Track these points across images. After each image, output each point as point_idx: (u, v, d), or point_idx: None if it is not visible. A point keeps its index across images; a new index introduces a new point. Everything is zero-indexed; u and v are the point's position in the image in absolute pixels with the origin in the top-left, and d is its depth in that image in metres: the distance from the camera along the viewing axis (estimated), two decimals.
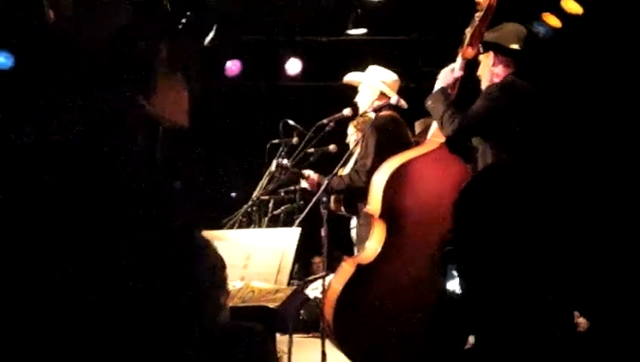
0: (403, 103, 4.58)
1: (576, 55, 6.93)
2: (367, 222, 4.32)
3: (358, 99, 4.85)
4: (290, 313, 2.73)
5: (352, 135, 5.05)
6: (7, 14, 6.48)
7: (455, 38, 3.80)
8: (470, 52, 3.69)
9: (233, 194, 8.35)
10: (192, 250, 1.47)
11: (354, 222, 4.97)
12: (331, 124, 4.49)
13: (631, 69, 6.53)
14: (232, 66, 8.33)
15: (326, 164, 4.70)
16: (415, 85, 6.88)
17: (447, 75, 3.79)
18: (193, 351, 1.42)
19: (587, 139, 6.18)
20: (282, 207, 4.95)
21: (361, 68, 5.00)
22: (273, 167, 4.48)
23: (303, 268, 7.53)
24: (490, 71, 3.71)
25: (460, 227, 1.49)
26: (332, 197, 4.68)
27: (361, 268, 3.89)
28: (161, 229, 1.40)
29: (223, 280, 1.61)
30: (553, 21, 6.97)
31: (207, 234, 1.55)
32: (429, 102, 3.76)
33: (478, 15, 3.58)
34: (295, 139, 4.61)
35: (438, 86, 3.79)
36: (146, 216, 1.39)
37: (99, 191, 1.37)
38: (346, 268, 3.99)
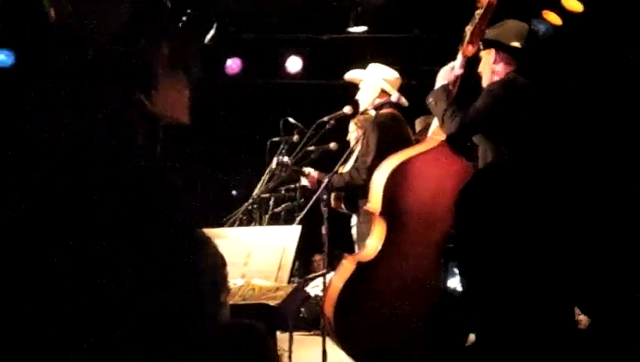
0: (404, 101, 4.59)
1: (576, 53, 6.93)
2: (367, 219, 4.32)
3: (359, 96, 4.85)
4: (291, 311, 2.73)
5: (353, 132, 5.05)
6: (7, 12, 6.48)
7: (456, 36, 3.80)
8: (470, 49, 3.69)
9: (234, 192, 8.35)
10: (193, 248, 1.47)
11: (354, 219, 4.97)
12: (332, 121, 4.49)
13: (631, 67, 6.53)
14: (233, 64, 8.33)
15: (326, 162, 4.70)
16: (416, 83, 6.87)
17: (448, 73, 3.79)
18: (193, 349, 1.43)
19: (587, 137, 6.18)
20: (283, 205, 4.96)
21: (362, 65, 5.00)
22: (274, 165, 4.48)
23: (303, 265, 7.52)
24: (491, 68, 3.71)
25: (461, 225, 1.49)
26: (332, 195, 4.68)
27: (361, 266, 3.89)
28: (161, 227, 1.40)
29: (224, 277, 1.61)
30: (554, 19, 6.97)
31: (208, 231, 1.55)
32: (430, 100, 3.76)
33: (478, 12, 3.58)
34: (296, 137, 4.62)
35: (438, 84, 3.79)
36: (147, 214, 1.40)
37: (99, 190, 1.37)
38: (347, 266, 3.99)
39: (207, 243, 1.53)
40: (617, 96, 6.63)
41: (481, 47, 3.72)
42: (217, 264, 1.57)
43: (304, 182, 4.81)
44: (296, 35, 8.22)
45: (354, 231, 4.99)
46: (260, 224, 4.46)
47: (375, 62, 4.98)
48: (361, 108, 4.79)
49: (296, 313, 5.77)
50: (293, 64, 8.32)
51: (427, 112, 4.15)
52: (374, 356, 3.82)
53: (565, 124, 4.25)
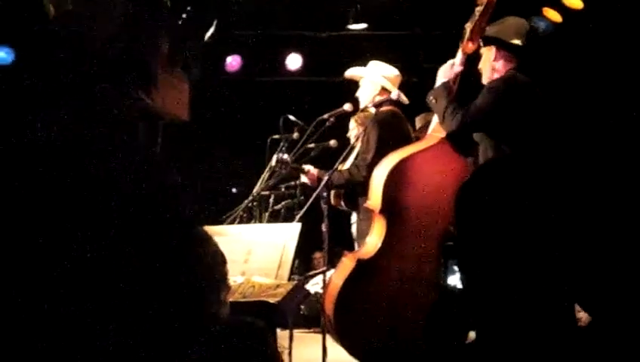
0: (404, 98, 4.58)
1: (576, 50, 6.92)
2: (367, 217, 4.32)
3: (359, 94, 4.85)
4: (291, 308, 2.73)
5: (353, 130, 5.04)
6: (7, 10, 6.48)
7: (456, 33, 3.80)
8: (470, 47, 3.69)
9: (234, 190, 8.35)
10: (193, 246, 1.47)
11: (354, 217, 4.97)
12: (332, 119, 4.49)
13: (631, 64, 6.53)
14: (233, 62, 8.33)
15: (326, 159, 4.70)
16: (416, 80, 6.87)
17: (448, 70, 3.79)
18: (194, 346, 1.43)
19: (588, 133, 6.17)
20: (283, 203, 4.95)
21: (362, 63, 4.99)
22: (273, 163, 4.47)
23: (303, 263, 7.53)
24: (491, 65, 3.70)
25: (461, 222, 1.49)
26: (332, 192, 4.68)
27: (361, 264, 3.89)
28: (161, 225, 1.40)
29: (224, 275, 1.61)
30: (554, 16, 6.96)
31: (208, 229, 1.55)
32: (430, 98, 3.76)
33: (478, 9, 3.57)
34: (296, 135, 4.61)
35: (438, 81, 3.78)
36: (147, 212, 1.40)
37: (99, 188, 1.37)
38: (347, 264, 3.99)
39: (208, 241, 1.53)
40: (618, 93, 6.63)
41: (482, 44, 3.72)
42: (217, 261, 1.57)
43: (304, 179, 4.81)
44: (296, 33, 8.21)
45: (354, 228, 4.99)
46: (260, 221, 4.45)
47: (375, 59, 4.97)
48: (362, 106, 4.79)
49: (297, 310, 5.79)
50: (294, 61, 8.32)
51: (427, 109, 4.15)
52: (374, 353, 3.82)
53: (566, 121, 4.25)
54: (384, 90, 4.75)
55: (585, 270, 1.49)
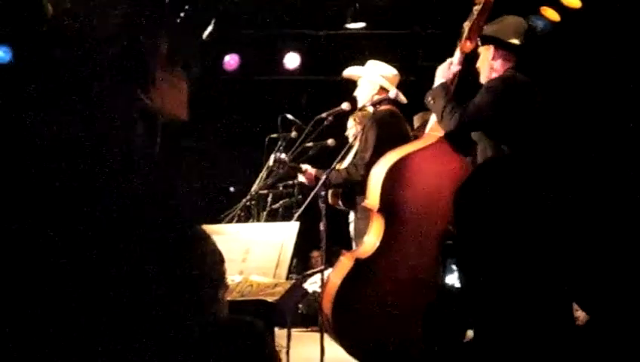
0: (402, 98, 4.58)
1: (575, 49, 6.93)
2: (365, 216, 4.32)
3: (357, 93, 4.85)
4: (289, 307, 2.74)
5: (352, 128, 5.04)
6: (6, 9, 6.47)
7: (454, 32, 3.80)
8: (468, 46, 3.69)
9: (232, 189, 8.35)
10: (191, 244, 1.47)
11: (352, 216, 4.97)
12: (330, 118, 4.49)
13: (630, 63, 6.53)
14: (231, 60, 8.32)
15: (325, 158, 4.70)
16: (414, 79, 6.87)
17: (446, 70, 3.79)
18: (192, 345, 1.43)
19: (587, 133, 6.18)
20: (281, 201, 4.96)
21: (360, 62, 4.99)
22: (271, 162, 4.48)
23: (301, 262, 7.53)
24: (490, 65, 3.71)
25: (460, 221, 1.49)
26: (330, 192, 4.68)
27: (359, 263, 3.89)
28: (160, 224, 1.40)
29: (222, 274, 1.61)
30: (552, 15, 6.96)
31: (206, 228, 1.55)
32: (428, 98, 3.76)
33: (476, 8, 3.58)
34: (294, 134, 4.62)
35: (437, 81, 3.78)
36: (145, 210, 1.40)
37: (97, 187, 1.37)
38: (345, 263, 3.99)
39: (206, 240, 1.53)
40: (616, 93, 6.63)
41: (480, 43, 3.72)
42: (215, 260, 1.57)
43: (301, 179, 4.81)
44: (294, 32, 8.21)
45: (351, 227, 4.99)
46: (258, 220, 4.46)
47: (373, 58, 4.97)
48: (360, 105, 4.79)
49: (294, 309, 5.79)
50: (292, 60, 8.31)
51: (425, 108, 4.14)
52: (372, 352, 3.82)
53: (564, 120, 4.25)
54: (382, 89, 4.75)
55: (583, 269, 1.49)
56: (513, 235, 1.42)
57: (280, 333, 3.43)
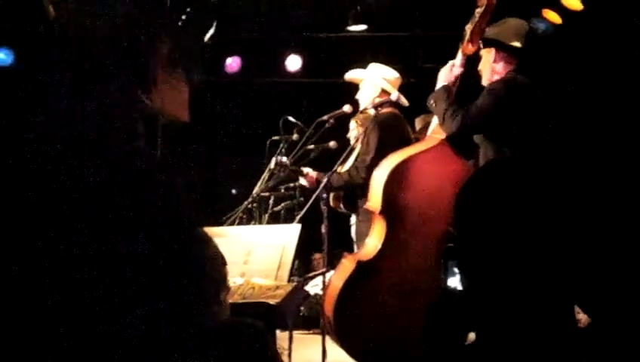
0: (404, 100, 4.58)
1: (576, 51, 6.93)
2: (366, 218, 4.32)
3: (359, 95, 4.85)
4: (291, 309, 2.73)
5: (353, 131, 5.05)
6: (7, 10, 6.48)
7: (456, 34, 3.80)
8: (470, 48, 3.69)
9: (233, 191, 8.35)
10: (193, 247, 1.47)
11: (353, 219, 4.97)
12: (331, 120, 4.49)
13: (631, 65, 6.53)
14: (232, 63, 8.33)
15: (326, 161, 4.70)
16: (416, 81, 6.87)
17: (448, 73, 3.79)
18: (193, 347, 1.42)
19: (588, 135, 6.18)
20: (282, 204, 4.95)
21: (362, 64, 4.99)
22: (272, 165, 4.48)
23: (303, 264, 7.53)
24: (491, 67, 3.71)
25: (461, 223, 1.49)
26: (331, 194, 4.67)
27: (361, 265, 3.89)
28: (161, 226, 1.40)
29: (224, 276, 1.61)
30: (553, 17, 6.97)
31: (208, 230, 1.55)
32: (430, 102, 3.77)
33: (478, 11, 3.58)
34: (295, 136, 4.61)
35: (439, 84, 3.79)
36: (146, 213, 1.39)
37: (98, 189, 1.37)
38: (347, 265, 3.99)
39: (208, 242, 1.53)
40: (617, 94, 6.63)
41: (481, 45, 3.72)
42: (217, 263, 1.57)
43: (303, 182, 4.81)
44: (296, 34, 8.21)
45: (353, 230, 4.99)
46: (260, 223, 4.45)
47: (375, 60, 4.98)
48: (361, 108, 4.79)
49: (296, 312, 5.78)
50: (293, 63, 8.32)
51: (427, 111, 4.14)
52: (374, 355, 3.82)
53: (566, 122, 4.25)
54: (384, 92, 4.75)
55: (585, 271, 1.49)
56: (515, 238, 1.42)
57: (282, 336, 3.43)
